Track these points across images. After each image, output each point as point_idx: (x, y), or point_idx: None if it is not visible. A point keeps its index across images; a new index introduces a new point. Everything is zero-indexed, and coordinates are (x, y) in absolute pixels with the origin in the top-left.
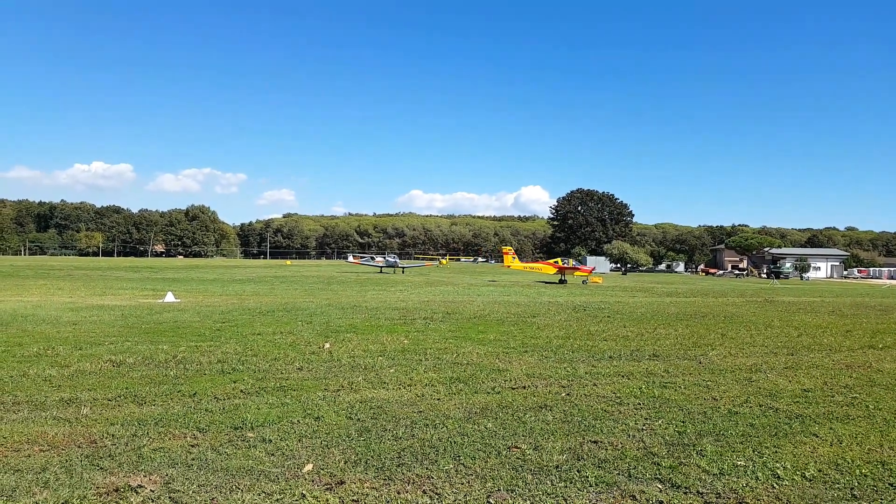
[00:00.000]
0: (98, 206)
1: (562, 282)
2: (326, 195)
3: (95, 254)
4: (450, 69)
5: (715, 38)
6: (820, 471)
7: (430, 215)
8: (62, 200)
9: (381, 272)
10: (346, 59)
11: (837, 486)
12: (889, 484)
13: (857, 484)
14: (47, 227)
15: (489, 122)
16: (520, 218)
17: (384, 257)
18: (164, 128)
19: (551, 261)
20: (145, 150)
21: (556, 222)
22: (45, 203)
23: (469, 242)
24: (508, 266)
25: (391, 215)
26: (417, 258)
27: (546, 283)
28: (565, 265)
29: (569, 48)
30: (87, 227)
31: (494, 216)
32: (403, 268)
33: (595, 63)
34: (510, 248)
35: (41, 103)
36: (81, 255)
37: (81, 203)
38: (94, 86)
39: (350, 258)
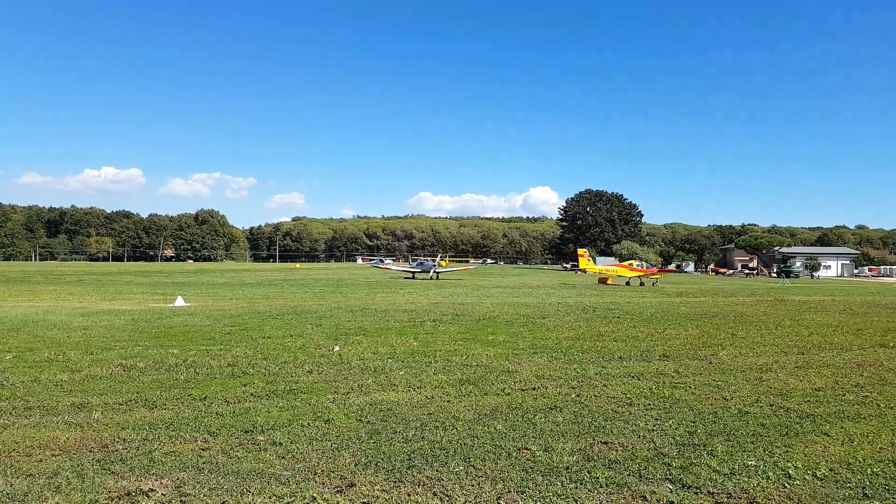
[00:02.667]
0: (108, 211)
1: (640, 284)
2: (335, 198)
3: (105, 259)
4: (458, 71)
5: (722, 37)
6: (831, 470)
7: (439, 217)
8: (72, 206)
9: (413, 277)
10: (355, 62)
11: (849, 485)
12: None
13: (868, 483)
14: (57, 233)
15: (498, 124)
16: (528, 219)
17: (420, 261)
18: (173, 132)
19: (625, 263)
20: (155, 155)
21: (564, 223)
22: (55, 209)
23: (478, 244)
24: (584, 269)
25: (400, 217)
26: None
27: (609, 285)
28: (639, 268)
29: (577, 49)
30: (98, 233)
31: (503, 217)
32: (438, 272)
33: (603, 64)
34: (585, 250)
35: (51, 109)
36: (92, 260)
37: (91, 208)
38: (103, 91)
39: (359, 261)
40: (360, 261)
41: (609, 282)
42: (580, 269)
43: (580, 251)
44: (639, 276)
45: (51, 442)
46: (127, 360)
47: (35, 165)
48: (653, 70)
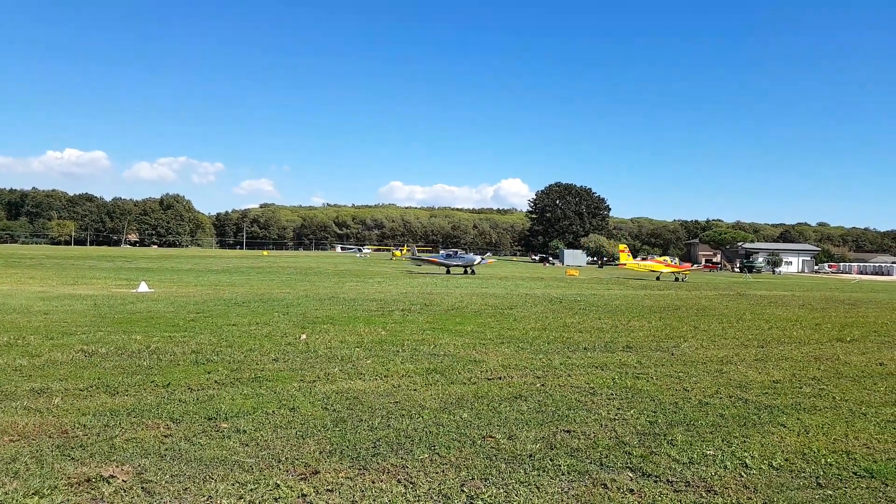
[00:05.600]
0: (71, 193)
1: (676, 280)
2: (305, 186)
3: (68, 242)
4: (430, 61)
5: (692, 34)
6: (787, 460)
7: (410, 207)
8: (33, 188)
9: (448, 272)
10: (327, 50)
11: (804, 474)
12: (853, 473)
13: (822, 473)
14: (18, 215)
15: (470, 115)
16: (499, 211)
17: (449, 252)
18: (139, 115)
19: (660, 259)
20: (120, 138)
21: (534, 215)
22: (15, 190)
23: (448, 235)
24: (624, 264)
25: (370, 206)
26: (388, 249)
27: (638, 278)
28: (673, 263)
29: (548, 42)
30: (59, 216)
31: (473, 209)
32: (473, 267)
33: (574, 57)
34: (625, 245)
35: (13, 89)
36: (53, 243)
37: (53, 191)
38: (67, 72)
39: (338, 249)
40: (339, 249)
41: (576, 274)
42: (550, 262)
43: (620, 246)
44: (673, 272)
45: (9, 427)
46: (88, 345)
47: None
48: (623, 65)
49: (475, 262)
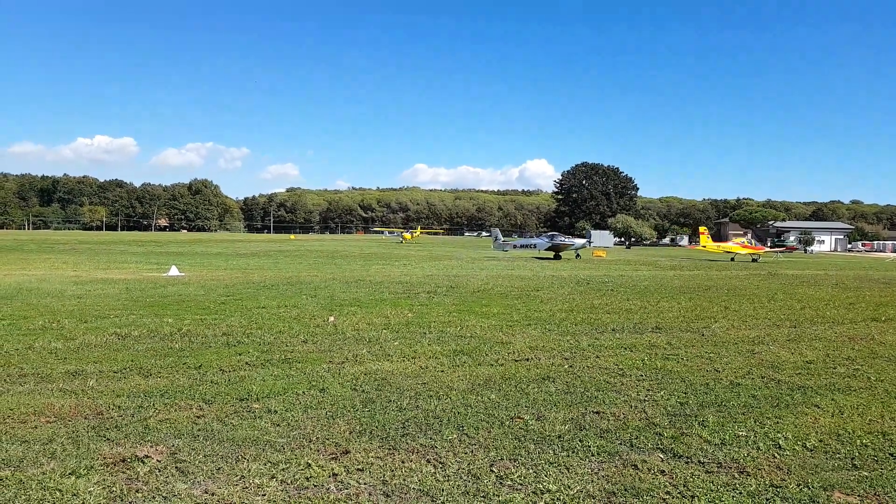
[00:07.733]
0: (101, 180)
1: (753, 260)
2: (330, 170)
3: (99, 228)
4: (454, 43)
5: (720, 14)
6: (821, 441)
7: (434, 189)
8: (65, 174)
9: (557, 257)
10: (350, 34)
11: (838, 455)
12: (890, 454)
13: (857, 454)
14: (50, 202)
15: (494, 96)
16: (524, 192)
17: (553, 237)
18: (167, 102)
19: (738, 241)
20: (148, 125)
21: (560, 196)
22: (47, 177)
23: (473, 217)
24: (704, 247)
25: (395, 189)
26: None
27: (713, 261)
28: (750, 245)
29: (572, 22)
30: (90, 202)
31: (498, 190)
32: (579, 251)
33: (600, 37)
34: (705, 227)
35: (44, 77)
36: (85, 229)
37: (84, 177)
38: (96, 60)
39: (385, 234)
40: (385, 233)
41: (603, 255)
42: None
43: (701, 228)
44: (749, 253)
45: (46, 409)
46: (121, 328)
47: (27, 134)
48: (650, 45)
49: (584, 246)
